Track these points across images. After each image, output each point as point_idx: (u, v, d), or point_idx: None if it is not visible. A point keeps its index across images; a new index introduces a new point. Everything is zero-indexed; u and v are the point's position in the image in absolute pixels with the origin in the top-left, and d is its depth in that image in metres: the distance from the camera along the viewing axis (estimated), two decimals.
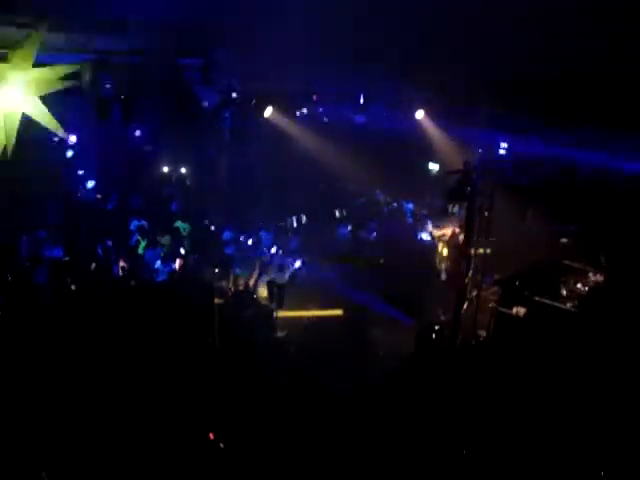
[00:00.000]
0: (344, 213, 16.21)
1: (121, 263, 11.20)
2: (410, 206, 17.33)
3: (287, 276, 11.44)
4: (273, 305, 10.89)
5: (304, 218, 14.94)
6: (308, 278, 12.03)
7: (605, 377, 7.87)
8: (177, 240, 13.05)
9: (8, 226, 11.20)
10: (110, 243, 11.94)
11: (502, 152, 13.21)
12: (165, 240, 12.72)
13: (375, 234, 15.06)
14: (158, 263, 11.32)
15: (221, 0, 7.91)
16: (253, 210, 15.32)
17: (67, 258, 10.94)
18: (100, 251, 11.58)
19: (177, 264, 11.47)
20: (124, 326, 8.47)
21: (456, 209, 12.35)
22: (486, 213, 10.30)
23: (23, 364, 7.65)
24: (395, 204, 17.51)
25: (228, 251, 12.75)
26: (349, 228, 15.17)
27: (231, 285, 11.35)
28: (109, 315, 8.68)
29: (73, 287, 9.95)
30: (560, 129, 11.00)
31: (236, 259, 12.32)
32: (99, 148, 14.82)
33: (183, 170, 17.51)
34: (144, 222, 12.91)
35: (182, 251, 12.47)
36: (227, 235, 13.29)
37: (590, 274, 10.47)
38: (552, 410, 7.69)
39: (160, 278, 11.25)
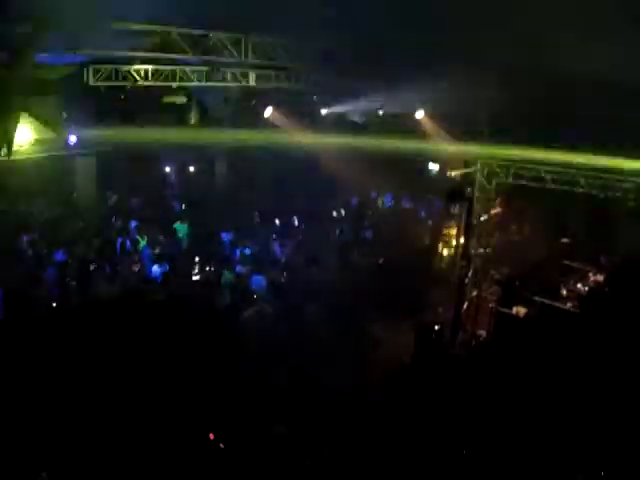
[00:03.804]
0: (342, 213, 16.22)
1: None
2: (410, 205, 17.36)
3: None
4: (273, 305, 10.88)
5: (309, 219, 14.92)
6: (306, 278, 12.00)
7: (605, 377, 7.87)
8: (174, 240, 13.07)
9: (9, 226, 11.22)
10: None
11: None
12: (160, 240, 12.74)
13: (373, 234, 15.04)
14: (155, 267, 11.29)
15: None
16: (251, 210, 15.37)
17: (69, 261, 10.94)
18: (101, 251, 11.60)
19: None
20: (124, 326, 8.46)
21: (457, 210, 12.34)
22: (485, 216, 10.32)
23: (25, 365, 7.64)
24: (394, 202, 17.56)
25: (227, 251, 12.74)
26: (347, 228, 15.15)
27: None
28: (110, 316, 8.68)
29: (75, 288, 9.97)
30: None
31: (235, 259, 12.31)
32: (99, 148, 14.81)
33: (184, 170, 17.56)
34: (136, 223, 12.88)
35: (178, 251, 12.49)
36: (226, 236, 13.28)
37: (590, 274, 10.48)
38: (552, 410, 7.69)
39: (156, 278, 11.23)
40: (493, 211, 12.18)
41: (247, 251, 12.38)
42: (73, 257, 11.07)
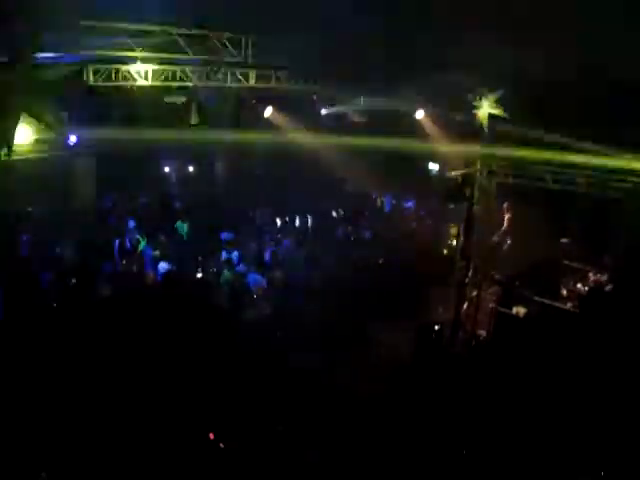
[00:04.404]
0: (342, 213, 16.21)
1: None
2: (410, 205, 17.35)
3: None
4: (273, 305, 10.88)
5: (309, 219, 14.89)
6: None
7: (605, 377, 7.87)
8: (174, 240, 13.05)
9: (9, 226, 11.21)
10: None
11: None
12: (161, 240, 12.73)
13: (373, 234, 15.04)
14: (162, 264, 11.30)
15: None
16: (252, 210, 15.38)
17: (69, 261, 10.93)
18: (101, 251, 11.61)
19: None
20: (124, 327, 8.46)
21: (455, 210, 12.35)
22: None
23: (25, 365, 7.64)
24: (394, 202, 17.55)
25: (227, 252, 12.74)
26: (348, 228, 15.14)
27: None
28: (110, 316, 8.68)
29: (75, 287, 9.96)
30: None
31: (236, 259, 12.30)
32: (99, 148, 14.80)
33: (184, 170, 17.56)
34: (135, 222, 12.87)
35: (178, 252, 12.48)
36: (227, 236, 13.27)
37: (590, 274, 10.47)
38: (552, 410, 7.69)
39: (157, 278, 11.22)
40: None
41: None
42: (73, 257, 11.08)
